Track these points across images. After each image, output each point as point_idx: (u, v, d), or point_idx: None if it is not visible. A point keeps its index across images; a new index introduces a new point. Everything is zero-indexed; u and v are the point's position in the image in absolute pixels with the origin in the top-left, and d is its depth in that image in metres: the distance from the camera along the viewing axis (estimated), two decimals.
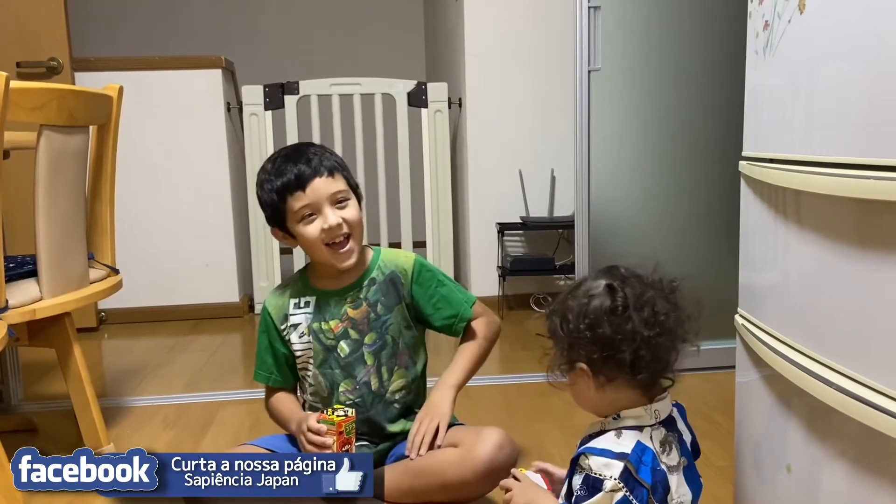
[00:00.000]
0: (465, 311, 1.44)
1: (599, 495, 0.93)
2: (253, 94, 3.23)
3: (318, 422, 1.26)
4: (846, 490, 0.86)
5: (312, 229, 1.33)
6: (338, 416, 1.26)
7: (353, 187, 1.39)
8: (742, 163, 1.14)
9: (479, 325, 1.46)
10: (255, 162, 3.23)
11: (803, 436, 0.95)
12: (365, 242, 1.45)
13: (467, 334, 1.46)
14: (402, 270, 1.42)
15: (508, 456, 1.32)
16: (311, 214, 1.33)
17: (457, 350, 1.47)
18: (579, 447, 1.01)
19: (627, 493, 0.93)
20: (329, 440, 1.24)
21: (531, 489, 1.11)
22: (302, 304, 1.42)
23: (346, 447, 1.26)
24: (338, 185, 1.35)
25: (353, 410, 1.29)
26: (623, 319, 0.97)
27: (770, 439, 1.06)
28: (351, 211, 1.35)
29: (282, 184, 1.33)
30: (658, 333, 0.97)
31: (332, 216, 1.33)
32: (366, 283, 1.41)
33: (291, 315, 1.42)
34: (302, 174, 1.32)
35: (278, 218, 1.37)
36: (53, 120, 1.57)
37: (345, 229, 1.34)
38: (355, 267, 1.41)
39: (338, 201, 1.35)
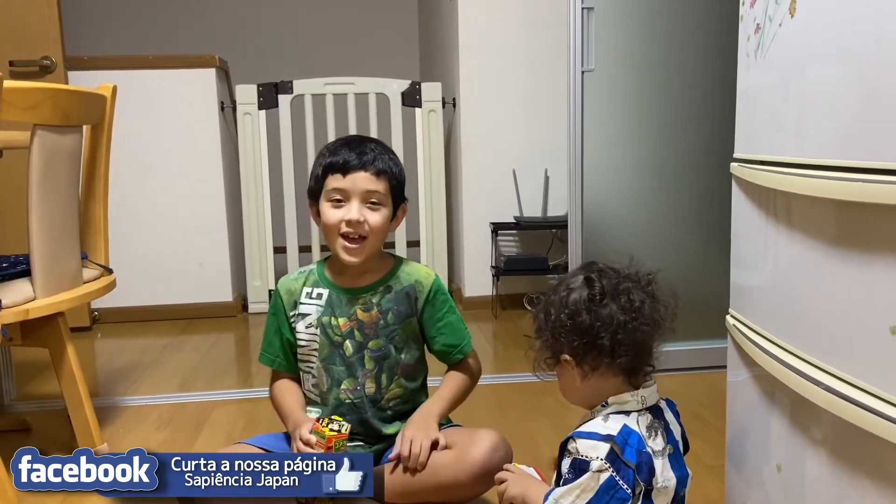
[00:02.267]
0: (467, 346, 1.46)
1: (586, 475, 0.96)
2: (247, 94, 3.22)
3: (311, 431, 1.26)
4: (835, 489, 0.87)
5: (334, 214, 1.35)
6: (331, 429, 1.25)
7: (396, 200, 1.40)
8: (733, 164, 1.15)
9: (472, 364, 1.48)
10: (248, 161, 3.24)
11: (793, 435, 0.96)
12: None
13: (459, 366, 1.47)
14: (419, 286, 1.42)
15: (503, 458, 1.32)
16: (339, 200, 1.35)
17: (446, 375, 1.47)
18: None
19: (614, 474, 0.96)
20: (318, 452, 1.23)
21: (525, 479, 1.13)
22: (314, 296, 1.42)
23: None
24: (377, 186, 1.35)
25: (349, 427, 1.28)
26: (600, 307, 1.02)
27: (760, 438, 1.07)
28: (377, 216, 1.35)
29: (330, 162, 1.36)
30: (634, 318, 1.02)
31: (355, 211, 1.34)
32: (381, 289, 1.41)
33: (302, 304, 1.43)
34: (349, 161, 1.34)
35: (316, 191, 1.39)
36: (47, 119, 1.57)
37: (364, 230, 1.34)
38: (373, 271, 1.42)
39: (370, 201, 1.35)
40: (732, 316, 1.17)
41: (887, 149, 0.75)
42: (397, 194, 1.39)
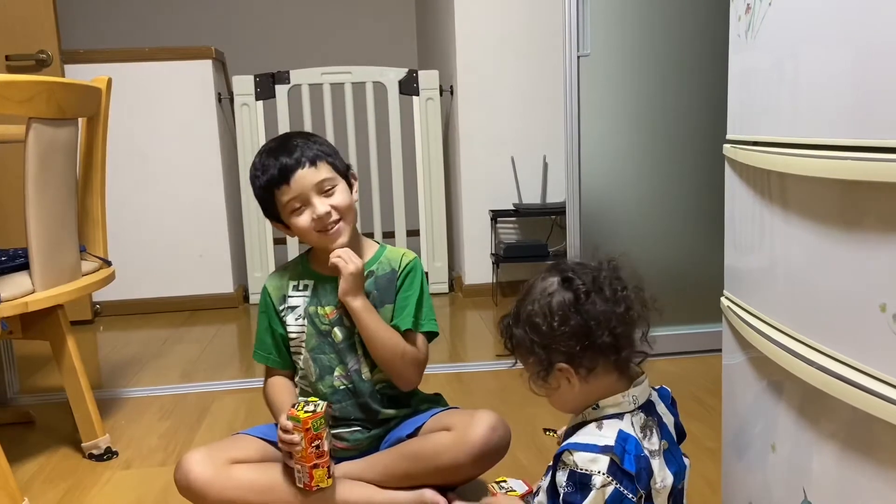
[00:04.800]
0: (404, 323, 1.40)
1: (592, 494, 0.92)
2: (244, 85, 3.22)
3: (287, 417, 1.27)
4: (831, 469, 0.87)
5: (303, 220, 1.35)
6: (305, 411, 1.25)
7: (343, 172, 1.40)
8: (726, 146, 1.15)
9: (414, 346, 1.41)
10: (246, 152, 3.24)
11: (788, 416, 0.97)
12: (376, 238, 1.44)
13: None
14: (398, 265, 1.43)
15: (501, 438, 1.33)
16: (299, 206, 1.35)
17: None
18: (563, 441, 1.01)
19: (618, 486, 0.92)
20: (297, 437, 1.24)
21: None
22: (301, 287, 1.43)
23: (316, 443, 1.25)
24: (322, 173, 1.35)
25: (325, 404, 1.28)
26: (590, 305, 0.98)
27: (755, 420, 1.07)
28: (339, 197, 1.36)
29: (267, 180, 1.35)
30: (628, 308, 0.99)
31: (320, 206, 1.34)
32: (364, 274, 1.42)
33: (290, 297, 1.43)
34: (285, 167, 1.33)
35: (270, 210, 1.39)
36: (42, 112, 1.57)
37: (335, 216, 1.35)
38: None
39: (324, 190, 1.35)
40: (727, 298, 1.18)
41: (881, 126, 0.75)
42: (340, 169, 1.39)
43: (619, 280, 1.01)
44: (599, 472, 0.93)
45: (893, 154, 0.73)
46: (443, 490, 1.36)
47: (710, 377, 2.03)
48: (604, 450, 0.94)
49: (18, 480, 1.57)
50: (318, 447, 1.26)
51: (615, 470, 0.93)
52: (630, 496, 0.93)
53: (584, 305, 0.98)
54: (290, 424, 1.25)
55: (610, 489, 0.92)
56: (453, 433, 1.33)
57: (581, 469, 0.94)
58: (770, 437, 1.01)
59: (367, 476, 1.37)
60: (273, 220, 1.40)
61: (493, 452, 1.33)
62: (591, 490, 0.92)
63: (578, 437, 0.98)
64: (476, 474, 1.37)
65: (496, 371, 2.26)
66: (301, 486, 1.28)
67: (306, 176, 1.33)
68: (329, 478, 1.28)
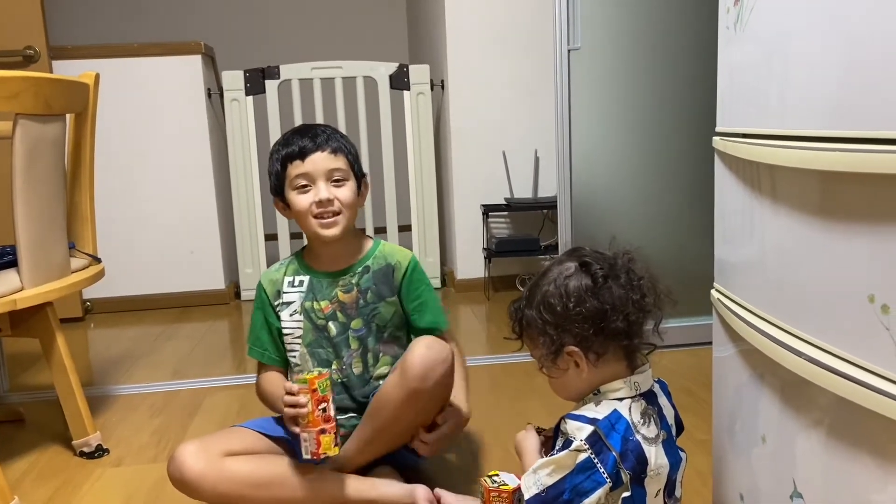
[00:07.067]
0: (442, 323, 1.46)
1: (564, 452, 0.97)
2: (233, 80, 3.21)
3: (293, 381, 1.27)
4: (820, 459, 0.88)
5: (304, 199, 1.37)
6: (310, 373, 1.26)
7: (357, 175, 1.43)
8: (715, 138, 1.15)
9: (459, 351, 1.48)
10: (236, 148, 3.22)
11: (777, 408, 0.97)
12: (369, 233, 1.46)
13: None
14: (397, 264, 1.44)
15: (439, 352, 1.31)
16: (305, 185, 1.37)
17: None
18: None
19: (592, 456, 0.96)
20: (303, 399, 1.24)
21: (523, 443, 1.13)
22: (296, 283, 1.44)
23: (323, 405, 1.24)
24: (337, 163, 1.38)
25: (329, 371, 1.29)
26: (605, 290, 1.00)
27: (746, 412, 1.08)
28: (345, 191, 1.39)
29: (286, 153, 1.39)
30: (643, 296, 1.01)
31: (324, 190, 1.36)
32: (359, 269, 1.43)
33: (285, 293, 1.44)
34: (305, 146, 1.37)
35: (279, 185, 1.41)
36: (29, 108, 1.56)
37: (335, 206, 1.37)
38: (351, 253, 1.44)
39: (334, 179, 1.38)
40: (717, 290, 1.18)
41: (867, 118, 0.75)
42: (356, 170, 1.43)
43: (634, 270, 1.04)
44: (579, 439, 0.97)
45: (881, 145, 0.73)
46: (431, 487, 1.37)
47: (701, 370, 2.04)
48: (591, 421, 0.98)
49: (9, 479, 1.57)
50: (324, 410, 1.25)
51: (595, 440, 0.97)
52: (602, 471, 0.96)
53: (601, 290, 1.00)
54: (296, 387, 1.25)
55: (583, 456, 0.96)
56: (396, 371, 1.33)
57: (570, 436, 0.99)
58: (760, 429, 1.02)
59: (347, 450, 1.36)
60: (277, 196, 1.43)
61: (434, 368, 1.30)
62: (566, 450, 0.97)
63: (576, 409, 1.03)
64: (430, 408, 1.36)
65: (488, 366, 2.26)
66: (308, 456, 1.25)
67: (322, 159, 1.37)
68: (336, 446, 1.26)
